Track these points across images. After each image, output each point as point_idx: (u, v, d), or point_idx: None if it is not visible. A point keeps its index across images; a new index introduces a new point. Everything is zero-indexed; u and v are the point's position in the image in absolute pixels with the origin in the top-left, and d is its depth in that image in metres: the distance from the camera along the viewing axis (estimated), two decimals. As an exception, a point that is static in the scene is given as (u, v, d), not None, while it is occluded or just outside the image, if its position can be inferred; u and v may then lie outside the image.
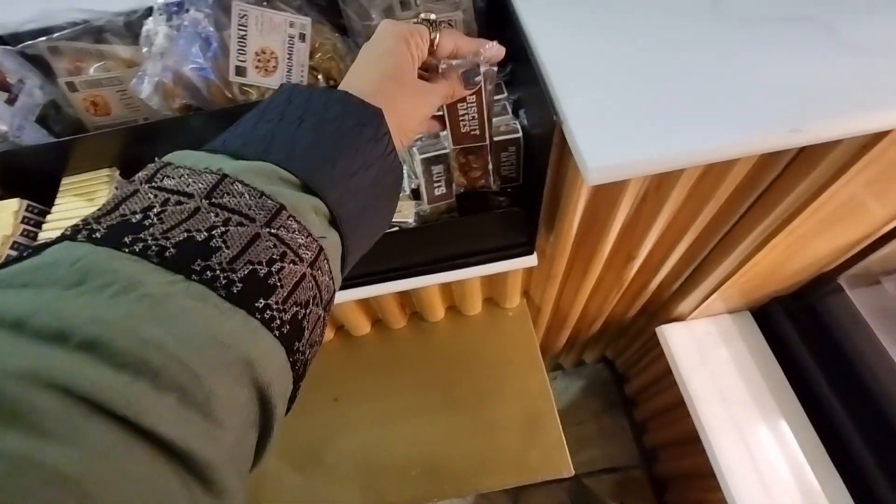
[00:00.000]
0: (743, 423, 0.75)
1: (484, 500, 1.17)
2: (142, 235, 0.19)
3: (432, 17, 0.34)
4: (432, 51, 0.34)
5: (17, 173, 0.51)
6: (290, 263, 0.21)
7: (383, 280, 0.58)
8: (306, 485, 0.67)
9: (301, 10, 0.52)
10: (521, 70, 0.41)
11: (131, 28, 0.52)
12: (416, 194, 0.52)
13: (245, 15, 0.50)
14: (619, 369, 1.28)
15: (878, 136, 0.40)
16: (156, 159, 0.23)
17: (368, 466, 0.68)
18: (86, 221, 0.19)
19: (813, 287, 0.73)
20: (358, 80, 0.29)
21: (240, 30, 0.50)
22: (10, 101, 0.52)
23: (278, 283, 0.20)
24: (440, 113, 0.41)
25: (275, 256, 0.21)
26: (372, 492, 0.66)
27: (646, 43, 0.43)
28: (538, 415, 0.70)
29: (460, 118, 0.42)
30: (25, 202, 0.50)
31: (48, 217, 0.51)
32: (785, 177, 0.49)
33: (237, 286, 0.19)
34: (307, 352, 0.23)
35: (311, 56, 0.53)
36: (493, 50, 0.37)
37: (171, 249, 0.19)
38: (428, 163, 0.48)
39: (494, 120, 0.46)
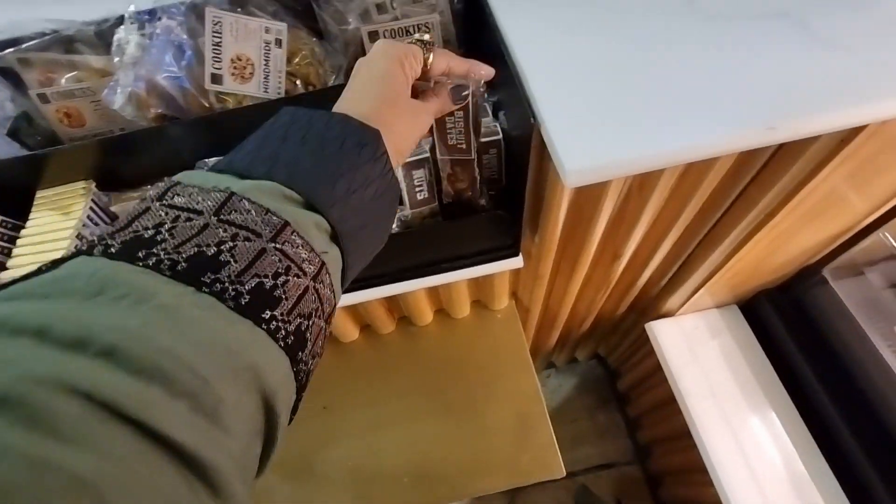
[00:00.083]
0: (733, 417, 0.75)
1: (479, 503, 1.17)
2: (154, 250, 0.20)
3: (426, 37, 0.35)
4: (425, 71, 0.35)
5: (-11, 188, 0.50)
6: (294, 277, 0.22)
7: (369, 286, 0.58)
8: (297, 495, 0.67)
9: (276, 16, 0.52)
10: (499, 71, 0.41)
11: (103, 37, 0.51)
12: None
13: (219, 22, 0.49)
14: (611, 366, 1.28)
15: (855, 131, 0.41)
16: (164, 179, 0.24)
17: (360, 475, 0.67)
18: (101, 238, 0.20)
19: (798, 280, 0.74)
20: (357, 104, 0.30)
21: (214, 37, 0.49)
22: (-21, 115, 0.50)
23: (283, 296, 0.21)
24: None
25: (280, 270, 0.22)
26: (364, 500, 0.66)
27: (623, 42, 0.43)
28: (529, 416, 0.70)
29: (448, 131, 0.42)
30: (-2, 217, 0.49)
31: (22, 232, 0.49)
32: (766, 173, 0.50)
33: (245, 297, 0.20)
34: (310, 362, 0.24)
35: (289, 61, 0.53)
36: (484, 70, 0.39)
37: (183, 263, 0.20)
38: (409, 167, 0.48)
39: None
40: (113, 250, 0.20)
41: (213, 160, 0.51)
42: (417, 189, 0.49)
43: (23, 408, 0.14)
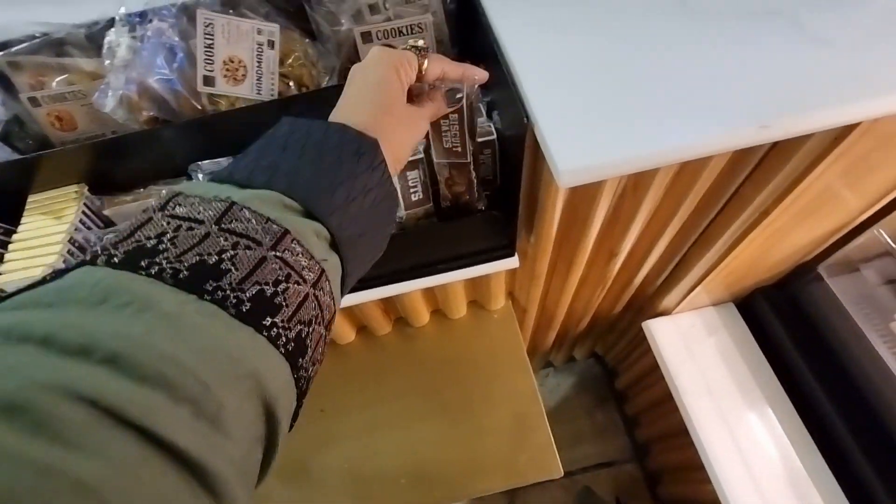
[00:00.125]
0: (729, 414, 0.75)
1: (478, 503, 1.17)
2: (157, 259, 0.20)
3: (420, 43, 0.36)
4: (420, 76, 0.36)
5: (-20, 193, 0.49)
6: (294, 284, 0.22)
7: (365, 288, 0.58)
8: (295, 498, 0.66)
9: (268, 17, 0.51)
10: (492, 72, 0.41)
11: (93, 40, 0.51)
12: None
13: (211, 24, 0.49)
14: (609, 364, 1.28)
15: (848, 129, 0.41)
16: (164, 191, 0.25)
17: (357, 477, 0.67)
18: (104, 248, 0.21)
19: (794, 277, 0.74)
20: (354, 113, 0.31)
21: (206, 39, 0.49)
22: (-30, 119, 0.50)
23: (284, 303, 0.22)
24: None
25: (280, 277, 0.22)
26: (362, 502, 0.66)
27: (616, 41, 0.43)
28: (526, 416, 0.70)
29: (443, 134, 0.43)
30: (-11, 222, 0.49)
31: (14, 237, 0.49)
32: (760, 171, 0.50)
33: (246, 305, 0.20)
34: (310, 369, 0.24)
35: (282, 63, 0.53)
36: (478, 74, 0.39)
37: (185, 272, 0.20)
38: (403, 168, 0.47)
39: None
40: (116, 260, 0.20)
41: (205, 163, 0.51)
42: (412, 190, 0.49)
43: (28, 414, 0.14)
